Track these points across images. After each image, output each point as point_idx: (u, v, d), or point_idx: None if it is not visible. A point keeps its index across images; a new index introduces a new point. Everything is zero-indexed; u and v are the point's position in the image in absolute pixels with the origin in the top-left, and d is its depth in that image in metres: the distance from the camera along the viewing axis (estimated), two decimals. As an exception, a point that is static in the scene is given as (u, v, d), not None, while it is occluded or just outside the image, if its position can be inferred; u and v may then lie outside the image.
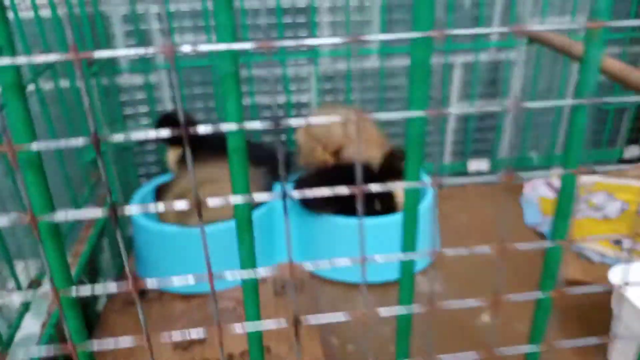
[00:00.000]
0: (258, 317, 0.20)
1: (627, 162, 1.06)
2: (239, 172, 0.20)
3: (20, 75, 0.19)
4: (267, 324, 0.18)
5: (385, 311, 0.23)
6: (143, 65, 0.91)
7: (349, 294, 0.75)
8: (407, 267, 0.22)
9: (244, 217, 0.20)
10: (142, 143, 0.97)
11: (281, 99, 0.97)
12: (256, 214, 0.76)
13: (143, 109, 0.95)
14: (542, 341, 0.24)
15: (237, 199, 0.19)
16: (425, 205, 0.78)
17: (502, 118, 1.04)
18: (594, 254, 0.80)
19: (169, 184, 0.81)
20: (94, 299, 0.74)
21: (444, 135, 1.05)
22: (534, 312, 0.25)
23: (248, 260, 0.19)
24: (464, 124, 1.04)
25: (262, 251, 0.82)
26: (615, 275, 0.59)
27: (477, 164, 1.06)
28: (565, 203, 0.21)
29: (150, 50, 0.17)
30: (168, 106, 0.96)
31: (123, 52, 0.17)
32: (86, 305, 0.72)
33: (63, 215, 0.18)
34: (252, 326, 0.19)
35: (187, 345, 0.66)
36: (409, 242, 0.22)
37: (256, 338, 0.20)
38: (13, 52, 0.18)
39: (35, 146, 0.17)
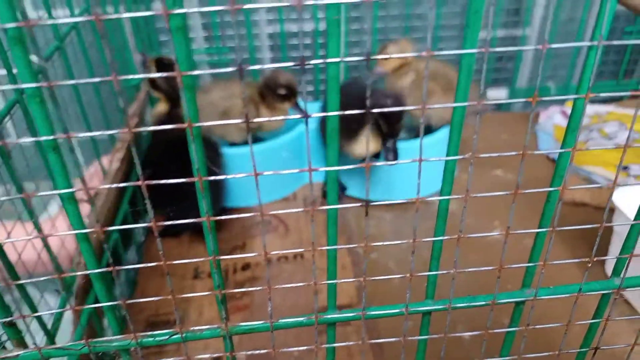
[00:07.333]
0: (337, 202, 0.26)
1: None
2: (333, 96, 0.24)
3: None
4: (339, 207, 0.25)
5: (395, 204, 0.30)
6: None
7: (371, 209, 0.83)
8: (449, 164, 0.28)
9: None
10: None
11: (309, 26, 1.00)
12: (287, 138, 0.82)
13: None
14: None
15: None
16: (445, 131, 0.84)
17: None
18: (601, 178, 0.85)
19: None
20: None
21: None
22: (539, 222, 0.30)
23: (335, 163, 0.25)
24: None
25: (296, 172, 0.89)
26: (619, 197, 0.65)
27: (496, 93, 1.10)
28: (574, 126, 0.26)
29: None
30: (201, 43, 0.99)
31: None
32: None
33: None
34: (332, 207, 0.25)
35: (228, 252, 0.75)
36: (453, 148, 0.27)
37: (333, 217, 0.27)
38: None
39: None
